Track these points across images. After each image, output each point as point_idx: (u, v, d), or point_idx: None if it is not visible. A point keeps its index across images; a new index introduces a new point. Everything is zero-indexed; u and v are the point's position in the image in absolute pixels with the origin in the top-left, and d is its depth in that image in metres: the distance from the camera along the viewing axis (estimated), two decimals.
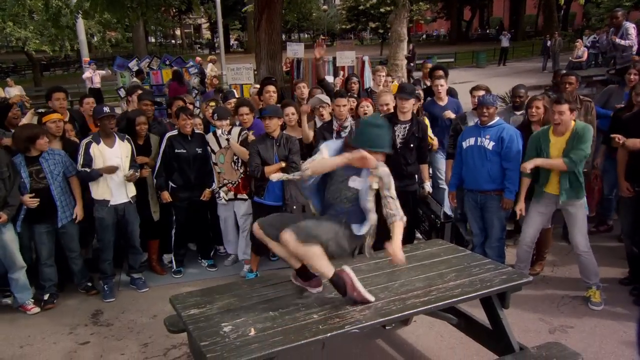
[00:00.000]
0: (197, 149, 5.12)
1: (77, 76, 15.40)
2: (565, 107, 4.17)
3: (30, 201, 4.47)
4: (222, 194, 5.14)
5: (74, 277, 4.98)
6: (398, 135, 4.87)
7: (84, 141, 4.75)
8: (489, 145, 4.56)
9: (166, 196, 5.12)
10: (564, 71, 5.85)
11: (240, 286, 3.25)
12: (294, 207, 4.81)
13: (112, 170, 4.68)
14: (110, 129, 4.71)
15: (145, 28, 33.77)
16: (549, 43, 22.56)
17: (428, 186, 5.13)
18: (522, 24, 45.16)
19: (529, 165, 4.32)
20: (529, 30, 45.90)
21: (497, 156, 4.54)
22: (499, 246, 4.72)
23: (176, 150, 5.07)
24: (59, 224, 4.68)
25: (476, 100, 4.93)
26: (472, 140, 4.67)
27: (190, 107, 5.97)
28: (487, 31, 49.69)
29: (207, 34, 66.38)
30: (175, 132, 5.13)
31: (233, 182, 5.13)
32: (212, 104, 5.65)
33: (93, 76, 14.62)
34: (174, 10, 44.44)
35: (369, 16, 27.23)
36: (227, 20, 43.24)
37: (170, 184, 5.18)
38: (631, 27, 7.15)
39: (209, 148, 5.17)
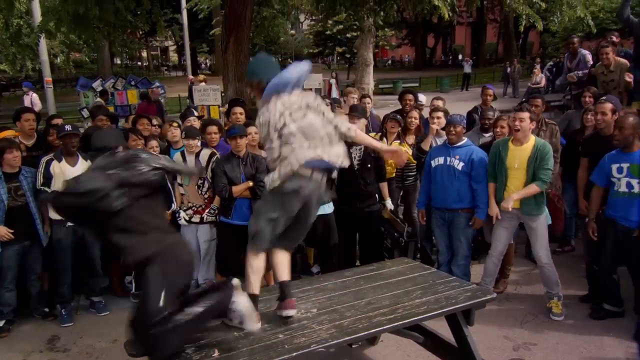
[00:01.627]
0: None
1: (39, 97, 15.10)
2: (525, 115, 4.34)
3: (6, 235, 4.36)
4: (182, 214, 5.00)
5: (30, 301, 4.76)
6: (354, 157, 4.92)
7: (45, 158, 4.62)
8: (459, 165, 4.66)
9: None
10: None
11: None
12: None
13: None
14: (72, 147, 4.60)
15: (111, 49, 33.39)
16: (508, 70, 23.39)
17: (389, 204, 5.18)
18: (483, 52, 46.74)
19: (509, 205, 4.41)
20: (490, 57, 47.51)
21: (466, 176, 4.66)
22: (465, 264, 4.79)
23: None
24: (43, 242, 4.58)
25: (435, 121, 5.09)
26: (441, 160, 4.77)
27: (156, 129, 5.90)
28: (450, 58, 51.18)
29: (174, 56, 66.05)
30: None
31: (197, 206, 5.03)
32: (175, 124, 5.58)
33: (32, 99, 14.00)
34: (141, 33, 44.20)
35: (336, 41, 27.76)
36: (195, 43, 43.20)
37: None
38: (587, 55, 7.49)
39: None
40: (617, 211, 4.25)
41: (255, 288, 2.84)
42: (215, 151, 5.02)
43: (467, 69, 27.18)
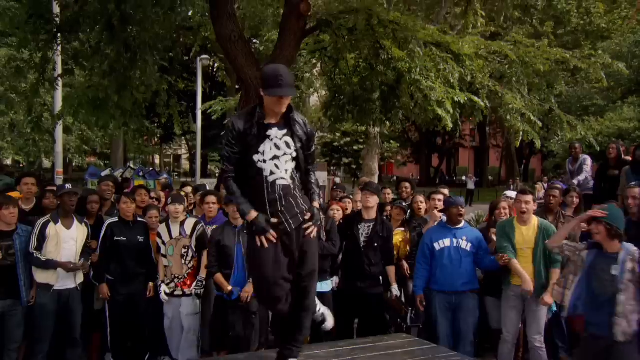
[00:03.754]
0: (138, 237, 4.92)
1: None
2: (530, 198, 4.54)
3: None
4: (163, 288, 4.79)
5: None
6: (362, 234, 4.85)
7: (41, 221, 4.58)
8: (467, 246, 4.68)
9: (105, 290, 4.80)
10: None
11: None
12: None
13: (70, 268, 4.46)
14: (71, 207, 4.57)
15: (125, 153, 34.65)
16: (511, 187, 23.85)
17: (395, 289, 4.99)
18: (486, 174, 48.02)
19: (551, 300, 4.42)
20: (493, 180, 48.69)
21: (472, 257, 4.65)
22: (471, 351, 4.55)
23: (115, 238, 4.84)
24: (22, 303, 4.46)
25: (436, 204, 5.13)
26: (446, 242, 4.73)
27: (154, 201, 5.90)
28: (454, 178, 52.50)
29: (186, 164, 68.23)
30: (115, 219, 4.97)
31: (179, 277, 4.86)
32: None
33: None
34: (157, 139, 46.18)
35: (343, 152, 28.78)
36: (207, 151, 44.88)
37: (107, 276, 4.86)
38: (588, 159, 7.71)
39: (158, 240, 4.98)
40: None
41: None
42: (199, 220, 4.99)
43: (471, 185, 27.82)
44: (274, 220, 3.08)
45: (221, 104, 14.43)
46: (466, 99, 9.38)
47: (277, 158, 3.13)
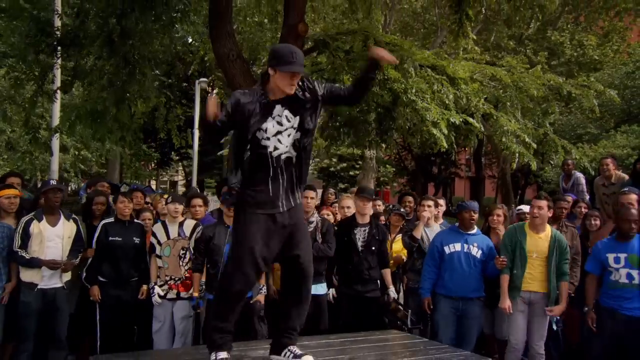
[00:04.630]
0: (134, 238, 4.85)
1: None
2: (544, 203, 4.48)
3: None
4: (156, 290, 4.71)
5: None
6: (359, 238, 4.83)
7: (24, 219, 4.53)
8: (478, 253, 4.65)
9: (95, 292, 4.71)
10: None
11: None
12: None
13: (55, 266, 4.39)
14: (55, 203, 4.52)
15: (122, 177, 34.60)
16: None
17: (393, 292, 4.96)
18: (482, 204, 48.14)
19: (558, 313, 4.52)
20: (488, 210, 48.84)
21: (481, 264, 4.60)
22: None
23: (110, 238, 4.76)
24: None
25: (426, 209, 5.10)
26: (457, 246, 4.71)
27: (148, 206, 5.88)
28: (450, 208, 52.66)
29: (182, 190, 68.16)
30: (111, 219, 4.92)
31: (176, 279, 4.79)
32: (166, 196, 5.59)
33: None
34: (153, 164, 46.22)
35: (339, 178, 28.86)
36: (204, 176, 44.90)
37: (99, 278, 4.78)
38: (581, 178, 7.75)
39: (153, 239, 4.93)
40: (617, 300, 4.07)
41: None
42: (200, 222, 4.95)
43: None
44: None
45: None
46: (461, 120, 9.47)
47: (280, 133, 3.19)
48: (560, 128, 16.76)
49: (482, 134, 11.13)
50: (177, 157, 39.48)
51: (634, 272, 4.17)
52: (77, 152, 18.44)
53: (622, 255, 4.27)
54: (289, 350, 3.03)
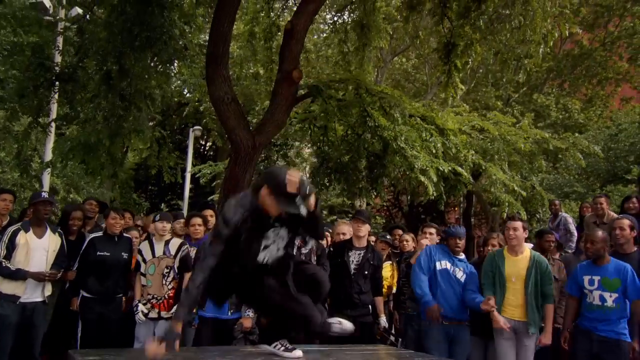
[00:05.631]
0: (122, 254, 4.78)
1: None
2: (519, 224, 4.49)
3: None
4: (140, 308, 4.58)
5: None
6: (352, 261, 4.82)
7: (11, 228, 4.49)
8: (462, 277, 4.63)
9: (75, 304, 4.57)
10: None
11: None
12: None
13: (41, 278, 4.33)
14: (45, 216, 4.49)
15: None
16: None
17: (384, 321, 4.87)
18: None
19: (547, 342, 4.51)
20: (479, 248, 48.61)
21: (461, 288, 4.58)
22: None
23: (98, 253, 4.68)
24: None
25: (427, 236, 5.12)
26: (446, 264, 4.69)
27: (133, 223, 5.84)
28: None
29: None
30: (99, 233, 4.86)
31: (159, 298, 4.69)
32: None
33: None
34: (143, 214, 45.84)
35: (332, 211, 28.85)
36: (194, 212, 44.56)
37: (82, 293, 4.65)
38: (569, 218, 7.85)
39: (138, 257, 4.87)
40: (592, 322, 4.09)
41: None
42: (185, 241, 4.91)
43: None
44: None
45: (210, 168, 14.65)
46: (450, 169, 9.62)
47: (269, 246, 3.17)
48: (547, 186, 17.03)
49: (471, 185, 11.26)
50: (167, 209, 39.30)
51: (606, 295, 4.24)
52: (66, 194, 18.30)
53: (596, 278, 4.35)
54: (280, 343, 3.02)
